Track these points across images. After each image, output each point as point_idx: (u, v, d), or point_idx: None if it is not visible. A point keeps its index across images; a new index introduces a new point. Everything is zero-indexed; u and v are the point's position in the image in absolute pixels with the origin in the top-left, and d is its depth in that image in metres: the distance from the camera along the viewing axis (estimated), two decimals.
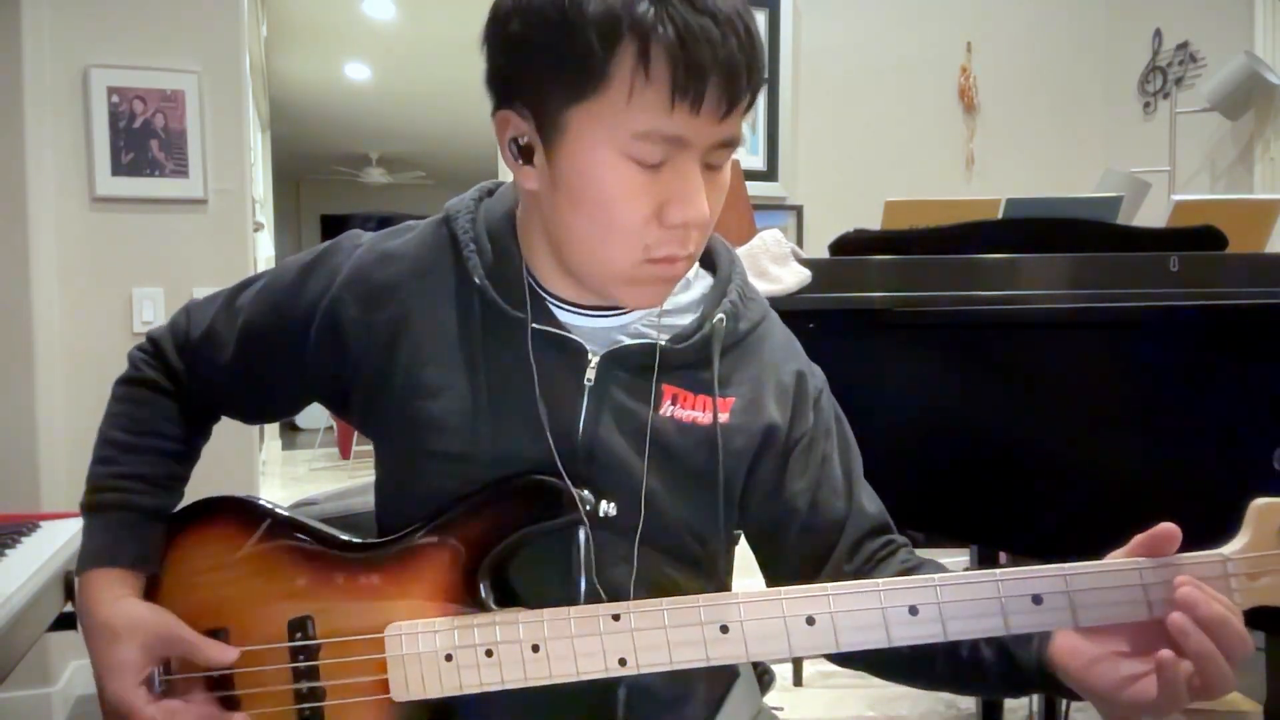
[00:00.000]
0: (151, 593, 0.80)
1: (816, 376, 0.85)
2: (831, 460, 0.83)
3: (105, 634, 0.75)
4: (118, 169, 2.34)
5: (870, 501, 0.83)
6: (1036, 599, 0.65)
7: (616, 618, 0.69)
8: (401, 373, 0.77)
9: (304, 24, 5.05)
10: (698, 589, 0.71)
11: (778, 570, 0.83)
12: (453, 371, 0.76)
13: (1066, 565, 0.65)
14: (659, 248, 0.68)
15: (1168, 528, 0.63)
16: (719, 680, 0.86)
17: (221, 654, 0.76)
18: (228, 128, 2.45)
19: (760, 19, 3.01)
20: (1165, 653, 0.60)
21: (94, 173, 2.33)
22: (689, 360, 0.77)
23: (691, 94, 0.62)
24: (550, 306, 0.77)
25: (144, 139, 2.36)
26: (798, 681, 2.48)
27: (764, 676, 0.94)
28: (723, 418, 0.77)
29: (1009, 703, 1.97)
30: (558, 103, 0.65)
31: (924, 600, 0.66)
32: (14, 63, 2.16)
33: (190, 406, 0.87)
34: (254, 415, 0.93)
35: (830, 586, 0.67)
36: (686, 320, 0.79)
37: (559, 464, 0.72)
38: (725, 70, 0.63)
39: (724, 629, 0.68)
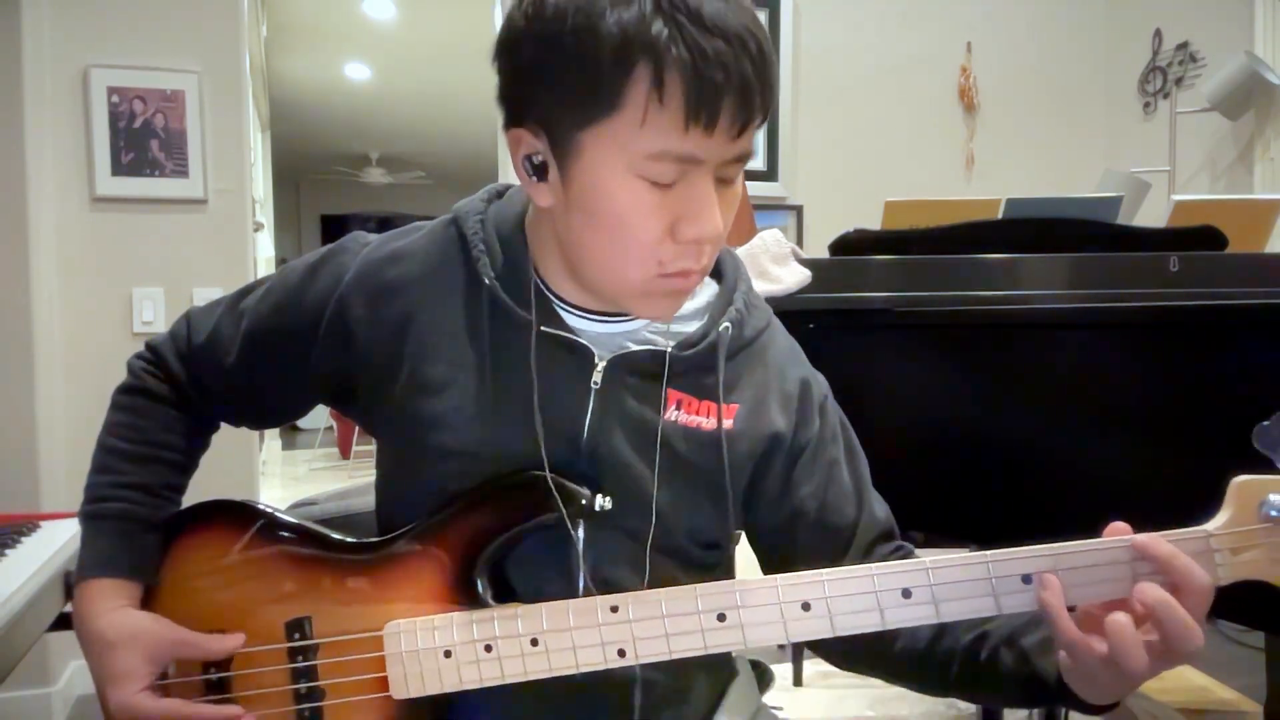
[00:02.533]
0: (150, 597, 0.80)
1: (821, 384, 0.86)
2: (839, 465, 0.83)
3: (104, 644, 0.75)
4: (118, 169, 2.34)
5: (880, 506, 0.84)
6: (1026, 579, 0.66)
7: (615, 609, 0.69)
8: (406, 369, 0.77)
9: (304, 24, 5.05)
10: None
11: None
12: (458, 369, 0.76)
13: (1056, 545, 0.65)
14: (673, 263, 0.69)
15: (1117, 526, 0.65)
16: (718, 679, 0.86)
17: (224, 644, 0.76)
18: (228, 128, 2.45)
19: (760, 19, 3.01)
20: (1116, 614, 0.61)
21: (94, 173, 2.33)
22: (694, 366, 0.78)
23: (705, 116, 0.62)
24: (558, 310, 0.77)
25: (144, 139, 2.36)
26: (798, 682, 2.48)
27: (763, 676, 0.95)
28: (727, 423, 0.78)
29: None
30: (572, 125, 0.66)
31: (917, 583, 0.67)
32: (14, 63, 2.17)
33: (191, 416, 0.86)
34: (257, 419, 0.92)
35: (825, 572, 0.68)
36: (692, 327, 0.80)
37: (566, 462, 0.73)
38: (739, 91, 0.63)
39: (721, 617, 0.68)
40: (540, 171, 0.70)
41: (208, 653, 0.76)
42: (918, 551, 0.82)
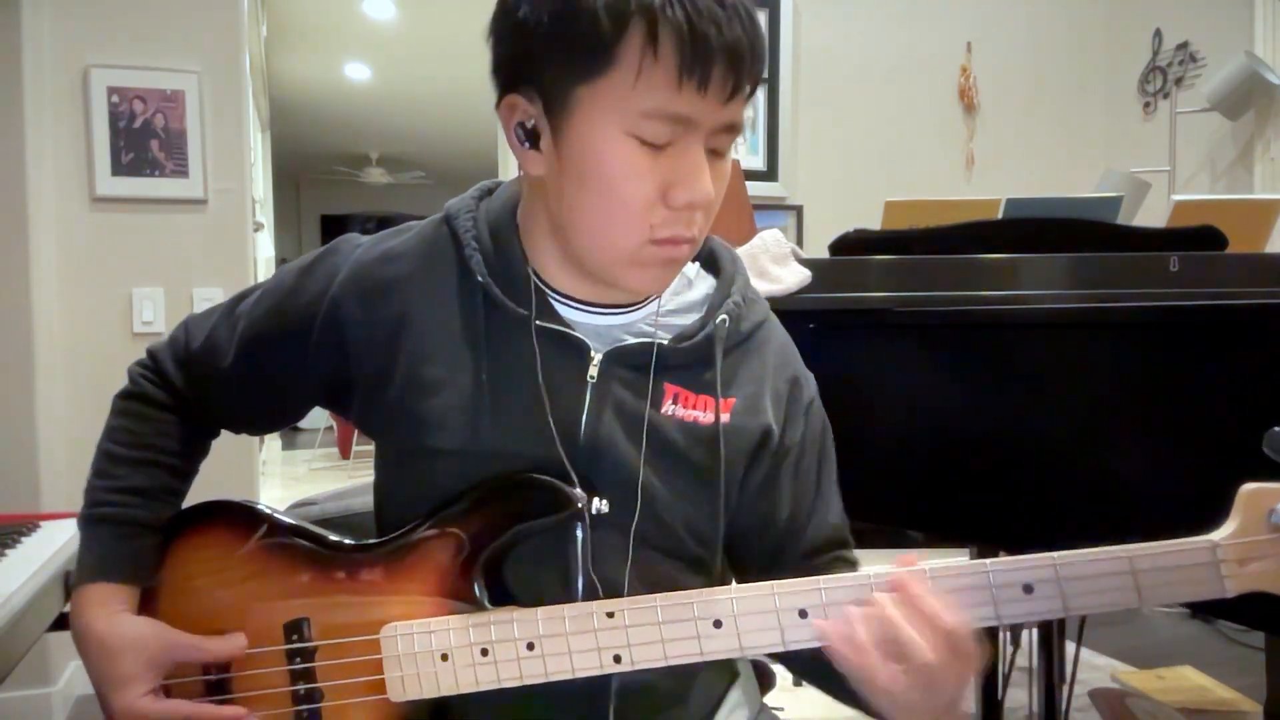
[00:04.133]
0: (149, 598, 0.80)
1: (810, 384, 0.86)
2: (812, 470, 0.84)
3: (104, 650, 0.75)
4: (118, 169, 2.34)
5: (835, 514, 0.85)
6: (1027, 588, 0.65)
7: (611, 615, 0.69)
8: (402, 369, 0.77)
9: (304, 24, 5.06)
10: (696, 587, 0.71)
11: (740, 568, 0.84)
12: (454, 368, 0.76)
13: (1056, 554, 0.65)
14: (664, 228, 0.69)
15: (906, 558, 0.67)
16: (719, 680, 0.86)
17: (223, 645, 0.76)
18: (228, 128, 2.45)
19: (760, 19, 3.02)
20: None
21: (94, 173, 2.33)
22: (691, 360, 0.78)
23: (699, 74, 0.64)
24: (553, 302, 0.77)
25: (144, 139, 2.36)
26: (798, 682, 2.48)
27: (764, 677, 0.95)
28: (723, 418, 0.77)
29: (1009, 702, 1.97)
30: (566, 82, 0.66)
31: None
32: (14, 63, 2.16)
33: (189, 421, 0.86)
34: (255, 424, 0.92)
35: (822, 580, 0.68)
36: (689, 320, 0.80)
37: (565, 460, 0.73)
38: (731, 51, 0.64)
39: (717, 624, 0.68)
40: (533, 138, 0.70)
41: (208, 655, 0.76)
42: (918, 554, 0.82)
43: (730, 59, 0.64)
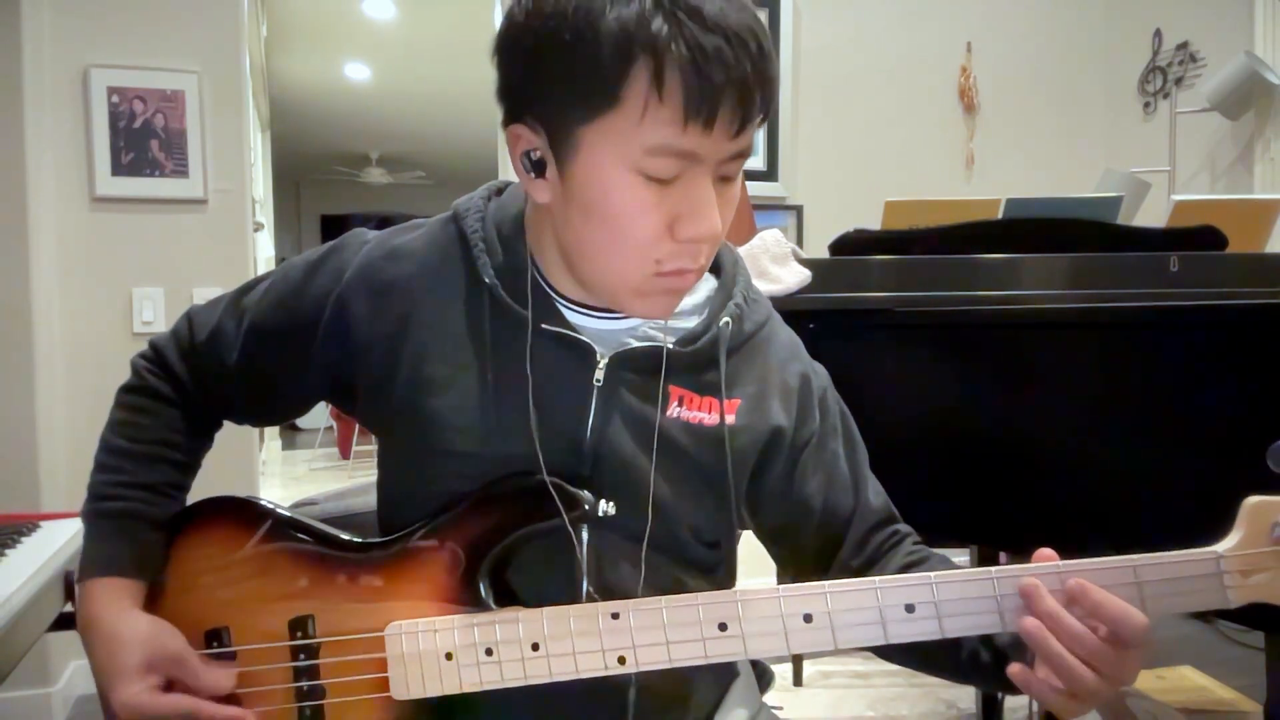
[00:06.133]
0: (154, 593, 0.80)
1: (820, 375, 0.86)
2: (839, 457, 0.84)
3: (112, 642, 0.75)
4: (118, 169, 2.34)
5: (876, 495, 0.85)
6: None
7: (616, 616, 0.69)
8: (407, 367, 0.77)
9: (304, 24, 5.05)
10: (703, 590, 0.71)
11: (793, 567, 0.85)
12: (458, 368, 0.76)
13: (1061, 563, 0.65)
14: (670, 261, 0.68)
15: (1043, 553, 0.67)
16: (719, 680, 0.86)
17: (220, 679, 0.75)
18: (228, 128, 2.45)
19: (761, 19, 3.01)
20: (1013, 665, 0.65)
21: (94, 173, 2.33)
22: (695, 362, 0.78)
23: (705, 113, 0.62)
24: (559, 307, 0.77)
25: (144, 139, 2.36)
26: (797, 681, 2.48)
27: (763, 676, 0.95)
28: (729, 419, 0.78)
29: (1009, 703, 1.97)
30: (571, 120, 0.66)
31: (921, 599, 0.66)
32: (14, 63, 2.16)
33: (193, 414, 0.86)
34: (259, 417, 0.92)
35: (828, 584, 0.68)
36: (692, 323, 0.80)
37: (542, 464, 0.73)
38: (738, 89, 0.63)
39: (722, 627, 0.68)
40: (539, 168, 0.70)
41: (204, 684, 0.74)
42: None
43: (738, 97, 0.63)
